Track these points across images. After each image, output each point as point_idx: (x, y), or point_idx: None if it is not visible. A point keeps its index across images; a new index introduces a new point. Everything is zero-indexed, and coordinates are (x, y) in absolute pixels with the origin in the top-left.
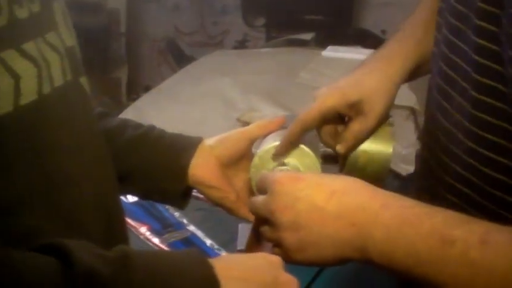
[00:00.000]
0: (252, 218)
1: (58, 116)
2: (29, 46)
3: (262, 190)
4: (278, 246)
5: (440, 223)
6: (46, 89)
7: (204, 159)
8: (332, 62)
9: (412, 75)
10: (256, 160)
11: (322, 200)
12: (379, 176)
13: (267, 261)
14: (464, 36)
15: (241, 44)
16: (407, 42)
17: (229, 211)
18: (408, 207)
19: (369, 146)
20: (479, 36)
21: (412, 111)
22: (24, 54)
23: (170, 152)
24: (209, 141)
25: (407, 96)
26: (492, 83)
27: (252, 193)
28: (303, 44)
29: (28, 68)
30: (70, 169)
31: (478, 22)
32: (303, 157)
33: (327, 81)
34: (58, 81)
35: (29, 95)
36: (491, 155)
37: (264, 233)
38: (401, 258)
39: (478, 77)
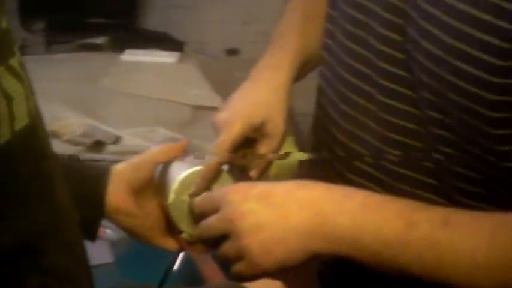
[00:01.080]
0: (169, 245)
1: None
2: (14, 61)
3: (211, 208)
4: (242, 259)
5: (403, 207)
6: (33, 110)
7: (118, 186)
8: (132, 65)
9: (299, 75)
10: (176, 186)
11: (280, 197)
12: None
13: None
14: (367, 43)
15: (20, 50)
16: (289, 45)
17: (144, 240)
18: (369, 196)
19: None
20: (385, 44)
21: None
22: (13, 72)
23: (85, 180)
24: (118, 167)
25: (212, 97)
26: (398, 88)
27: (167, 220)
28: (96, 48)
29: (18, 88)
30: None
31: (383, 31)
32: (227, 182)
33: (130, 85)
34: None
35: (22, 117)
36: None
37: (223, 252)
38: (370, 243)
39: (383, 82)
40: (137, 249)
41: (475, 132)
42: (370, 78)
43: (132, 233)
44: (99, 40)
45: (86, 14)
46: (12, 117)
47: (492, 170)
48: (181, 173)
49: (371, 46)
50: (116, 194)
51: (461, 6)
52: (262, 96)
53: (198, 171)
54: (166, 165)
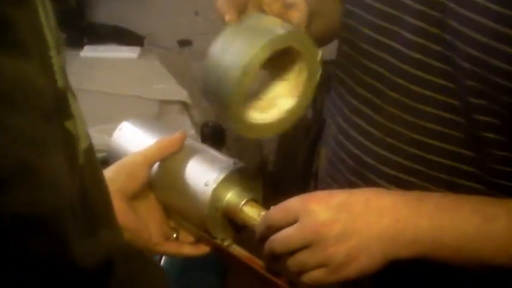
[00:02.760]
0: (173, 250)
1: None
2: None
3: (287, 219)
4: (323, 267)
5: (477, 204)
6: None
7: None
8: (93, 62)
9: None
10: (209, 197)
11: (360, 207)
12: None
13: None
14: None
15: None
16: None
17: (146, 251)
18: (441, 197)
19: None
20: (419, 35)
21: (185, 105)
22: (72, 93)
23: None
24: (107, 174)
25: (178, 91)
26: (433, 78)
27: (185, 224)
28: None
29: (76, 107)
30: None
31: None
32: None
33: (93, 82)
34: None
35: (84, 138)
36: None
37: (300, 260)
38: (451, 241)
39: (417, 72)
40: None
41: None
42: (401, 69)
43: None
44: None
45: None
46: (78, 137)
47: None
48: (187, 168)
49: (402, 38)
50: None
51: None
52: None
53: (228, 177)
54: (165, 162)
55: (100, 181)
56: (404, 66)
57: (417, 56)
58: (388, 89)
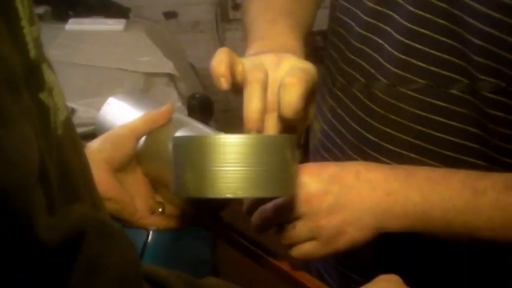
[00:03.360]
0: (157, 222)
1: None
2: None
3: None
4: (313, 239)
5: (466, 178)
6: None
7: (97, 168)
8: (78, 35)
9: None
10: None
11: (352, 180)
12: None
13: (391, 282)
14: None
15: None
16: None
17: (128, 224)
18: (430, 171)
19: None
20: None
21: (171, 77)
22: (47, 63)
23: None
24: (94, 144)
25: (165, 63)
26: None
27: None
28: (38, 19)
29: (54, 79)
30: None
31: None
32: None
33: (78, 55)
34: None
35: (62, 109)
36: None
37: (292, 233)
38: (441, 214)
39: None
40: None
41: None
42: (403, 43)
43: (115, 218)
44: (41, 10)
45: None
46: (56, 108)
47: None
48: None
49: (405, 10)
50: (96, 177)
51: None
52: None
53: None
54: (152, 135)
55: (79, 153)
56: (407, 41)
57: (422, 30)
58: (390, 64)
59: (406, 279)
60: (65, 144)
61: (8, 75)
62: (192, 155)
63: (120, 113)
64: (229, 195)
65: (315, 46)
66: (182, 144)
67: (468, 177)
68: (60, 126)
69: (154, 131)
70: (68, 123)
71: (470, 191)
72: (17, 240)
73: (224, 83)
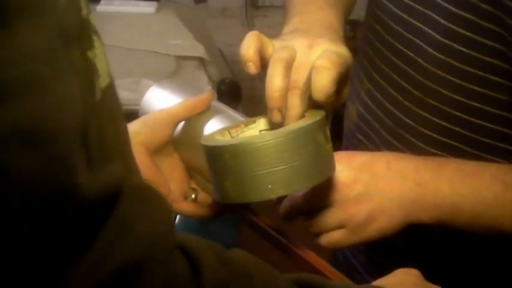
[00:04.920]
0: (189, 209)
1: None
2: (92, 16)
3: None
4: (342, 227)
5: (497, 171)
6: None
7: (135, 149)
8: (109, 16)
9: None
10: None
11: (382, 169)
12: None
13: (411, 275)
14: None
15: None
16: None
17: None
18: (461, 163)
19: None
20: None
21: (201, 61)
22: (93, 28)
23: None
24: (132, 126)
25: (196, 47)
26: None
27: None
28: None
29: (99, 45)
30: None
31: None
32: None
33: (110, 37)
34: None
35: (104, 76)
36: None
37: (321, 220)
38: (470, 207)
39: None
40: None
41: None
42: (445, 27)
43: None
44: None
45: None
46: (98, 73)
47: None
48: (211, 128)
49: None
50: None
51: None
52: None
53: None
54: (190, 122)
55: (117, 120)
56: (449, 24)
57: (464, 14)
58: (431, 47)
59: (432, 270)
60: (103, 109)
61: (62, 26)
62: (227, 164)
63: (164, 99)
64: (272, 196)
65: (344, 35)
66: (215, 153)
67: (499, 171)
68: (99, 92)
69: (192, 118)
70: (109, 91)
71: (501, 184)
72: (60, 187)
73: (252, 68)
